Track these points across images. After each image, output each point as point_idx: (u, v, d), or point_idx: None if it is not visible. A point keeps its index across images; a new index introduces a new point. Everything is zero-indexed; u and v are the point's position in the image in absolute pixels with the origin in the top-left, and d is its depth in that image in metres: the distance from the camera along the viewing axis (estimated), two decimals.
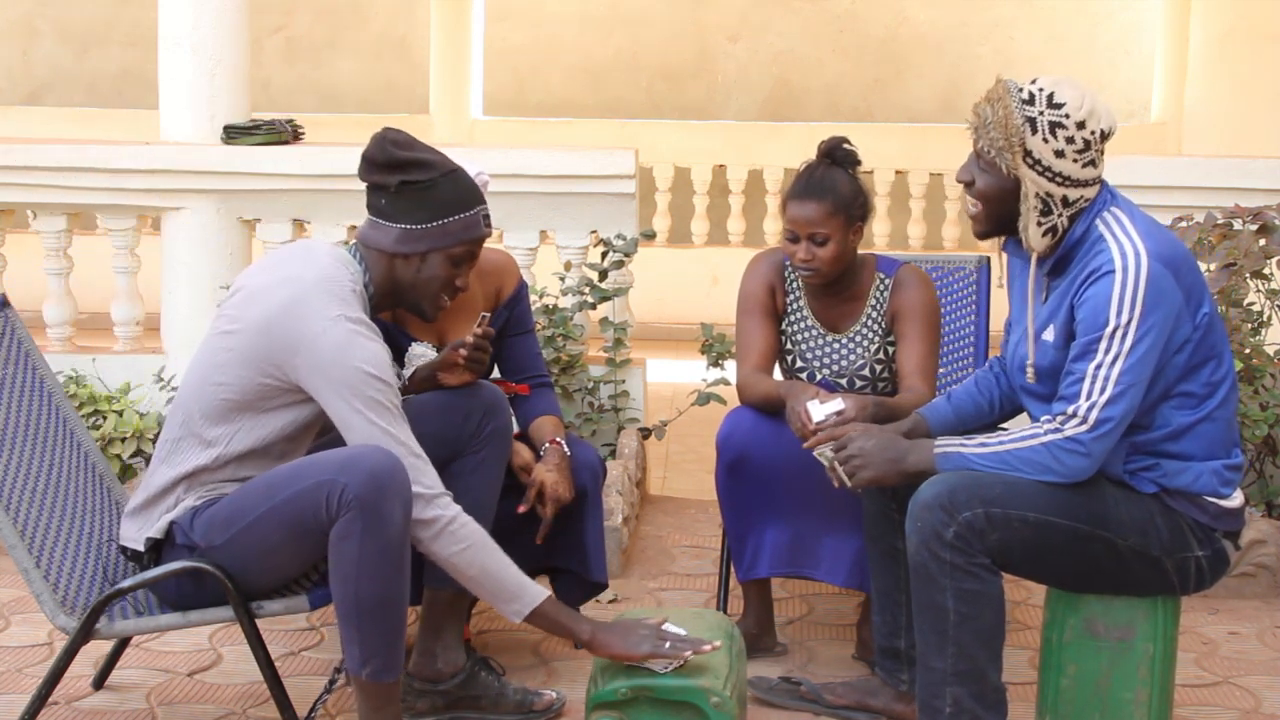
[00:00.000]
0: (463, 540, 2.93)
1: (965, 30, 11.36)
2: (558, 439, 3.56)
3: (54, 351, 5.34)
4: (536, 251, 5.29)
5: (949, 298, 4.21)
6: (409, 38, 11.53)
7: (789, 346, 3.79)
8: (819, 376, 3.74)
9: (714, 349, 5.05)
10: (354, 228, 5.13)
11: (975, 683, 2.94)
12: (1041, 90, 2.91)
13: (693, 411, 5.19)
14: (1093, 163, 2.93)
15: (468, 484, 3.27)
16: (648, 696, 2.86)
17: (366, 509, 2.84)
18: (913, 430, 3.20)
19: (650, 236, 5.33)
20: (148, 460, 4.26)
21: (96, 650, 3.42)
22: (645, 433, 5.19)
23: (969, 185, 3.01)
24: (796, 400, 3.39)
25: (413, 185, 3.08)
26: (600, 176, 5.19)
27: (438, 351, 3.49)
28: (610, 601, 4.17)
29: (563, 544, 3.56)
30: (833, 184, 3.60)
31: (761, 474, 3.62)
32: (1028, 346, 3.03)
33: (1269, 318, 4.69)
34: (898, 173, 9.62)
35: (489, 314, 3.41)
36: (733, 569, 3.77)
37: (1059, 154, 2.89)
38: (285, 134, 5.43)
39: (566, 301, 5.17)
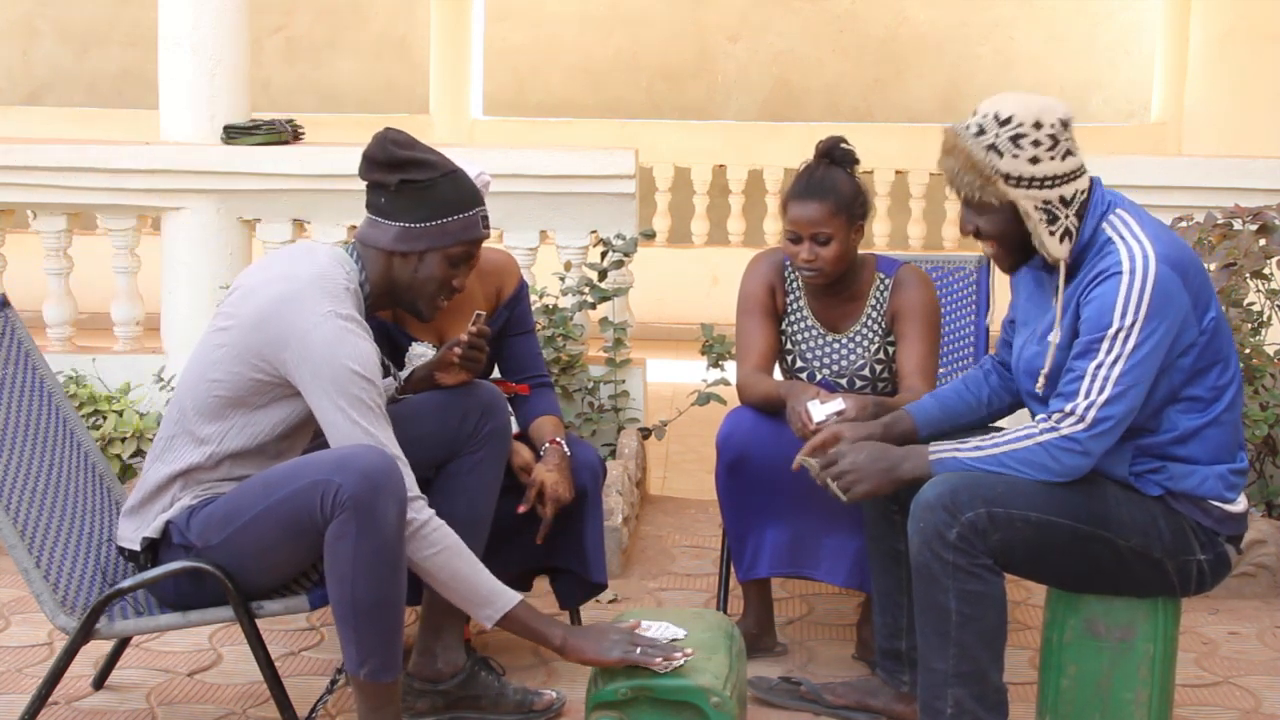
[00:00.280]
0: (435, 544, 2.93)
1: (965, 30, 11.36)
2: (558, 439, 3.56)
3: (54, 351, 5.34)
4: (536, 251, 5.29)
5: (949, 298, 4.21)
6: (409, 38, 11.53)
7: (789, 346, 3.79)
8: (819, 376, 3.74)
9: (714, 349, 5.05)
10: (354, 228, 5.11)
11: (977, 684, 2.94)
12: (986, 116, 2.89)
13: (693, 411, 5.19)
14: (1069, 152, 2.91)
15: (465, 484, 3.27)
16: (648, 696, 2.85)
17: (361, 509, 2.84)
18: (894, 423, 3.19)
19: (650, 236, 5.33)
20: None
21: (96, 650, 3.42)
22: (645, 433, 5.19)
23: (976, 234, 3.00)
24: (797, 400, 3.39)
25: (413, 184, 3.08)
26: (600, 176, 5.19)
27: (437, 351, 3.49)
28: (610, 601, 4.17)
29: (563, 544, 3.56)
30: (833, 183, 3.60)
31: (761, 474, 3.62)
32: (1045, 358, 3.00)
33: (1269, 318, 4.69)
34: (898, 173, 9.62)
35: (484, 312, 3.40)
36: (733, 569, 3.77)
37: (1034, 160, 2.87)
38: (285, 134, 5.43)
39: (566, 301, 5.17)
